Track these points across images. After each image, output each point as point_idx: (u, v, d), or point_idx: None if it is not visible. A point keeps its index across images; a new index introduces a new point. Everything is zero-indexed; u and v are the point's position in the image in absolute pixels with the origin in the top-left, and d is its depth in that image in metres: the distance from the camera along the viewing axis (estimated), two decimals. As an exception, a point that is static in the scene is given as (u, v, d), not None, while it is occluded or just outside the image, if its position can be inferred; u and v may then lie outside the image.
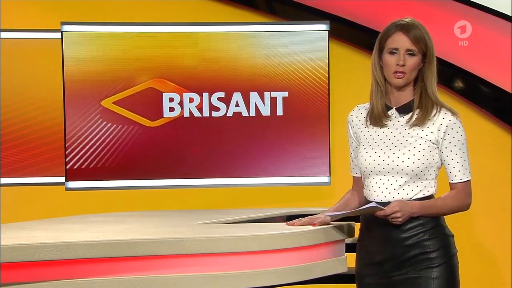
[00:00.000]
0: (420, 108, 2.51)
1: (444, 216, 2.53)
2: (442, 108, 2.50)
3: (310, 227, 2.47)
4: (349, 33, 4.61)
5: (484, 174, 4.52)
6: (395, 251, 2.46)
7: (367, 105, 2.61)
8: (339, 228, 2.54)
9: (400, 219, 2.40)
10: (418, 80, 2.52)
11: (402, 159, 2.46)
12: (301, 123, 4.37)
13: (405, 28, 2.47)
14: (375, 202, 2.46)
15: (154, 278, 2.18)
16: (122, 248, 2.15)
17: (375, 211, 2.41)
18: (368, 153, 2.53)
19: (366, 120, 2.58)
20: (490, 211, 4.60)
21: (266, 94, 4.38)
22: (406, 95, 2.53)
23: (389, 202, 2.45)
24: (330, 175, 4.38)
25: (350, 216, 2.59)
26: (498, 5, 4.52)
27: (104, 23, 4.37)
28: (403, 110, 2.54)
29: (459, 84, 4.62)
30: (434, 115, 2.49)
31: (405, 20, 2.50)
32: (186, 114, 4.32)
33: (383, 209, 2.39)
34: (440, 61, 4.69)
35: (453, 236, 2.52)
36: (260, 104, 4.36)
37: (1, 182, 4.41)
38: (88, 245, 2.12)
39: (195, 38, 4.35)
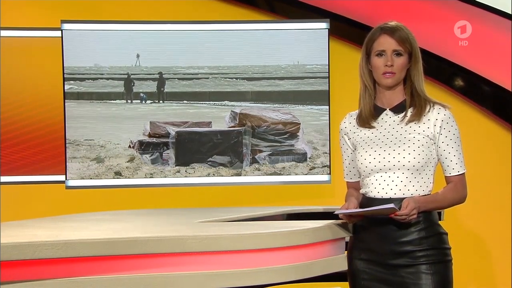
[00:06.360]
0: (413, 107, 2.55)
1: (438, 215, 2.56)
2: (435, 104, 2.55)
3: (310, 226, 2.47)
4: (349, 31, 4.61)
5: (484, 172, 4.53)
6: (393, 247, 2.47)
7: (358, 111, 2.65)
8: (339, 226, 2.54)
9: (415, 216, 2.41)
10: (407, 80, 2.57)
11: (403, 155, 2.48)
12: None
13: (390, 31, 2.53)
14: (377, 199, 2.49)
15: (154, 276, 2.18)
16: (122, 246, 2.15)
17: (392, 213, 2.39)
18: (368, 152, 2.54)
19: (357, 123, 2.62)
20: (490, 208, 4.60)
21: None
22: (398, 96, 2.57)
23: (390, 199, 2.47)
24: (330, 174, 4.39)
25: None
26: (498, 3, 4.52)
27: (104, 21, 4.37)
28: (397, 110, 2.57)
29: (459, 82, 4.62)
30: (429, 111, 2.53)
31: (389, 23, 2.56)
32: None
33: (397, 210, 2.37)
34: (441, 60, 4.71)
35: (447, 233, 2.55)
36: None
37: (1, 181, 4.41)
38: (88, 243, 2.12)
39: (195, 37, 4.36)
